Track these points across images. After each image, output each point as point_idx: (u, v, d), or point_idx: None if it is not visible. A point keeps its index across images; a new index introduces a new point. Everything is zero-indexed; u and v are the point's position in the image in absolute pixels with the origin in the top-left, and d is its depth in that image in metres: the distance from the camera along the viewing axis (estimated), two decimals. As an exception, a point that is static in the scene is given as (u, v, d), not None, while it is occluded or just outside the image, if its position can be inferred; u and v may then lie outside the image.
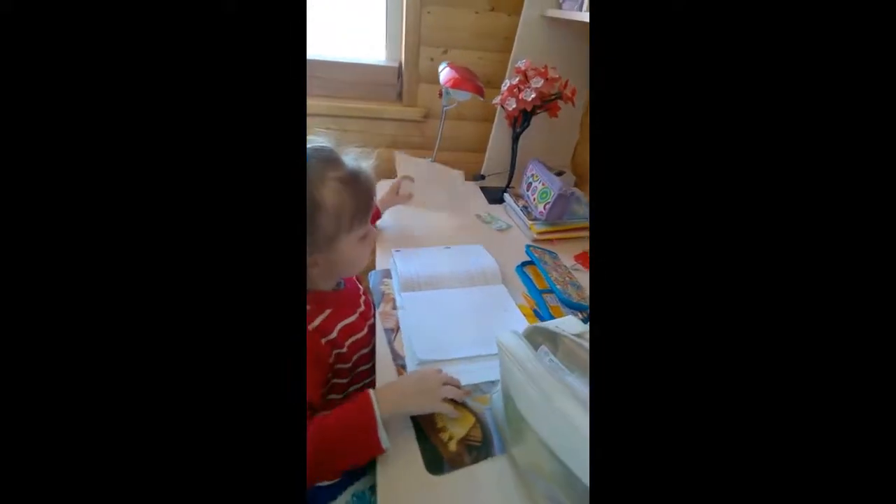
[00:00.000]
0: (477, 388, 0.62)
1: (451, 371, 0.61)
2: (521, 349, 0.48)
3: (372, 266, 0.87)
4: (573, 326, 0.51)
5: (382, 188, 1.11)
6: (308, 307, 0.57)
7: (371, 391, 0.51)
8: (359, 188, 0.55)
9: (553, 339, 0.54)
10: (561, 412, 0.41)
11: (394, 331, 0.70)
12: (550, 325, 0.54)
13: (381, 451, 0.49)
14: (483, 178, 1.26)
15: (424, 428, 0.55)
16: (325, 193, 0.53)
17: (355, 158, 0.57)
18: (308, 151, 0.53)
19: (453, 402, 0.57)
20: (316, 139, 0.56)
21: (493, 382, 0.62)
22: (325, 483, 0.63)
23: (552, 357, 0.53)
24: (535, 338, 0.55)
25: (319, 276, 0.60)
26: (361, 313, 0.67)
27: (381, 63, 1.33)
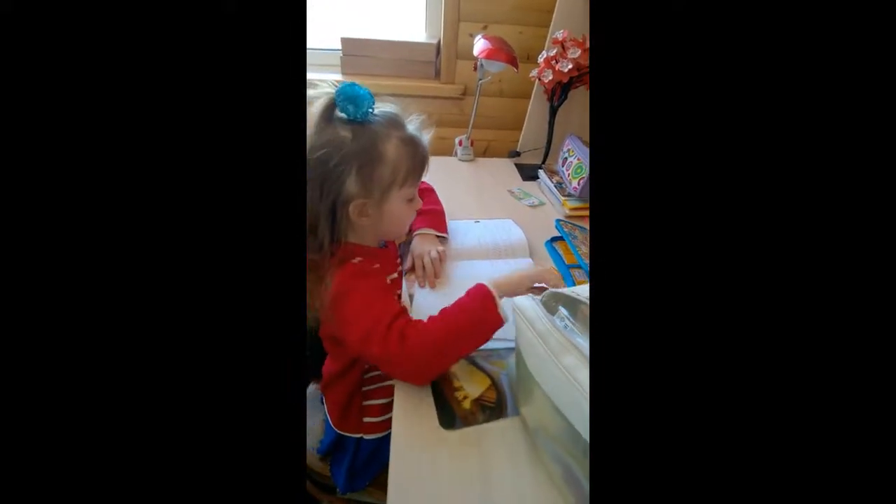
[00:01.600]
0: (495, 353, 0.62)
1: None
2: (534, 310, 0.48)
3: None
4: (588, 291, 0.50)
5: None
6: (359, 259, 0.62)
7: (482, 282, 0.59)
8: (416, 151, 0.60)
9: (572, 304, 0.54)
10: (566, 368, 0.41)
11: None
12: (568, 290, 0.54)
13: (501, 323, 0.56)
14: (518, 154, 1.24)
15: (441, 386, 0.57)
16: (388, 147, 0.58)
17: (417, 127, 0.62)
18: (377, 112, 0.58)
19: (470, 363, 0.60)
20: (384, 105, 0.60)
21: (510, 349, 0.63)
22: (384, 433, 0.70)
23: (568, 322, 0.53)
24: (552, 303, 0.55)
25: (368, 229, 0.63)
26: (399, 272, 0.73)
27: (420, 40, 1.33)
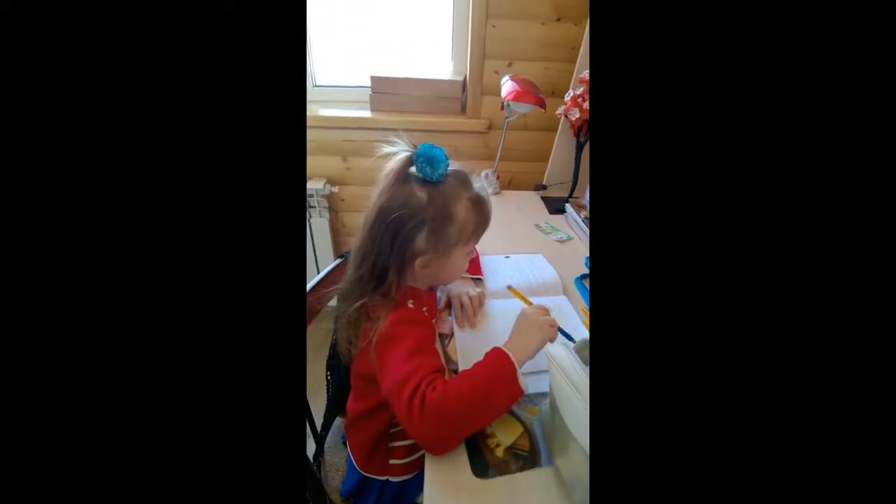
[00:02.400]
0: (528, 399, 0.62)
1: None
2: (569, 361, 0.48)
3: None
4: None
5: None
6: (412, 301, 0.64)
7: (500, 346, 0.58)
8: (482, 211, 0.64)
9: (605, 353, 0.53)
10: (606, 427, 0.41)
11: (448, 336, 0.73)
12: (602, 338, 0.54)
13: (521, 394, 0.55)
14: (545, 187, 1.25)
15: (473, 433, 0.57)
16: (459, 208, 0.61)
17: (482, 187, 0.65)
18: (449, 171, 0.60)
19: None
20: (453, 163, 0.63)
21: (544, 394, 0.62)
22: (410, 475, 0.70)
23: (603, 371, 0.52)
24: (586, 352, 0.55)
25: (425, 278, 0.66)
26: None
27: (447, 78, 1.37)
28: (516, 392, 0.55)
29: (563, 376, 0.48)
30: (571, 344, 0.53)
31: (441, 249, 0.61)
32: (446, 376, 0.65)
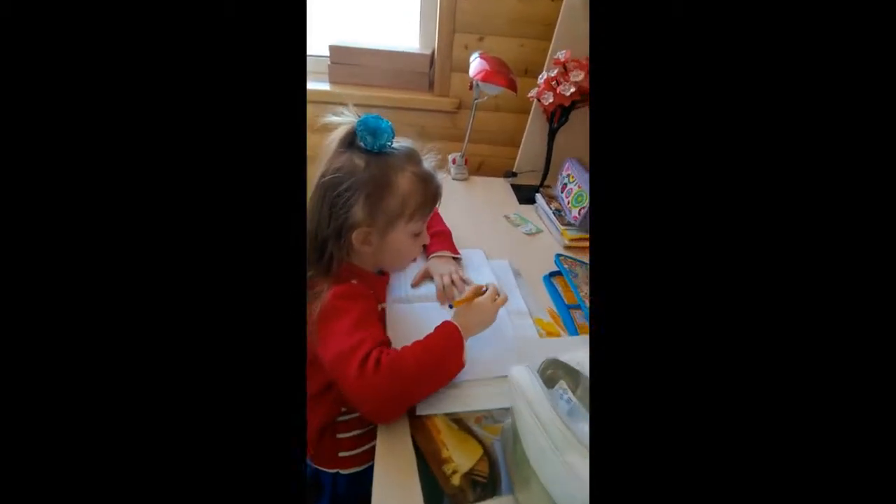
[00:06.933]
0: (488, 416, 0.57)
1: (462, 395, 0.58)
2: (534, 388, 0.43)
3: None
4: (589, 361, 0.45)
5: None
6: (356, 281, 0.61)
7: (449, 321, 0.59)
8: (429, 188, 0.61)
9: (573, 375, 0.49)
10: (569, 466, 0.37)
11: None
12: (569, 360, 0.49)
13: (462, 367, 0.58)
14: (515, 175, 1.19)
15: (427, 458, 0.52)
16: (400, 179, 0.58)
17: (433, 165, 0.63)
18: (395, 146, 0.59)
19: (460, 428, 0.55)
20: (404, 140, 0.62)
21: (506, 409, 0.58)
22: (359, 468, 0.69)
23: (570, 396, 0.48)
24: (549, 371, 0.51)
25: (367, 255, 0.62)
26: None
27: (414, 51, 1.27)
28: (461, 363, 0.57)
29: (526, 407, 0.43)
30: (535, 366, 0.48)
31: (380, 223, 0.58)
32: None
